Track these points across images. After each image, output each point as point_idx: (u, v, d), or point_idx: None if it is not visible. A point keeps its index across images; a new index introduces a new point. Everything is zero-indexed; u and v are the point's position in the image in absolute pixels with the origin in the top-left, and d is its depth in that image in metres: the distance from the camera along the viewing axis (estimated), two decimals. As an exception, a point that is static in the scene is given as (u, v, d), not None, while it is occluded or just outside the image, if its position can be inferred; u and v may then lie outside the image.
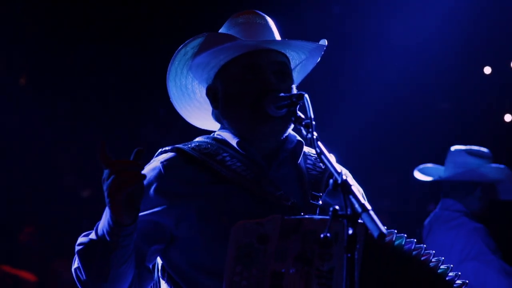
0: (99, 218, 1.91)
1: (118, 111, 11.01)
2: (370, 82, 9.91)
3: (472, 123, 9.82)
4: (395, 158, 10.14)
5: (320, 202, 2.02)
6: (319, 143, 1.82)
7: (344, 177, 1.68)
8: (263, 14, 2.20)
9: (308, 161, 2.12)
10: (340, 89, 9.59)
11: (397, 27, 9.52)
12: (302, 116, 1.94)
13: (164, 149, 2.10)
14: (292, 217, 1.82)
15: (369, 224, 1.60)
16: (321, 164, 2.10)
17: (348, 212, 1.63)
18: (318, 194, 2.02)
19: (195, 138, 2.22)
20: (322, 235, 1.63)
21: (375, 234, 1.58)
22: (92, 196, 8.69)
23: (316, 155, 1.98)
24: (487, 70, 9.71)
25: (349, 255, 1.60)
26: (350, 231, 1.60)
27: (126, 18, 9.43)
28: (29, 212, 8.55)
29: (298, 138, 2.14)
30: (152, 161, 2.08)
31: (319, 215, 1.89)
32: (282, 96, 2.01)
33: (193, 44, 2.12)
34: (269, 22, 2.19)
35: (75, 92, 10.40)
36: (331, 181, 1.68)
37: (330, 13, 10.04)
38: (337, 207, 1.63)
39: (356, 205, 1.62)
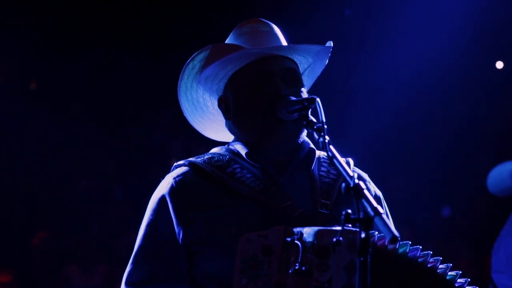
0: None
1: (130, 115, 11.01)
2: (382, 83, 9.87)
3: (484, 125, 9.79)
4: (405, 160, 10.11)
5: (329, 211, 2.02)
6: (331, 147, 1.82)
7: (356, 181, 1.68)
8: (268, 22, 2.20)
9: (322, 168, 2.12)
10: (352, 92, 9.57)
11: (408, 27, 9.48)
12: (314, 120, 1.94)
13: (178, 163, 2.12)
14: (294, 228, 1.83)
15: (382, 228, 1.60)
16: (335, 171, 2.10)
17: (361, 216, 1.63)
18: (327, 203, 2.02)
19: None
20: (334, 239, 1.63)
21: (388, 238, 1.58)
22: (105, 202, 8.70)
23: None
24: (499, 65, 9.68)
25: (361, 259, 1.60)
26: (363, 235, 1.60)
27: (133, 24, 9.45)
28: (42, 216, 8.58)
29: (311, 145, 2.15)
30: (166, 176, 2.11)
31: (327, 223, 1.88)
32: (293, 100, 2.01)
33: (200, 57, 2.13)
34: (274, 29, 2.19)
35: (88, 97, 10.42)
36: (343, 185, 1.68)
37: (342, 15, 10.02)
38: (349, 211, 1.63)
39: (369, 209, 1.62)
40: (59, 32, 9.78)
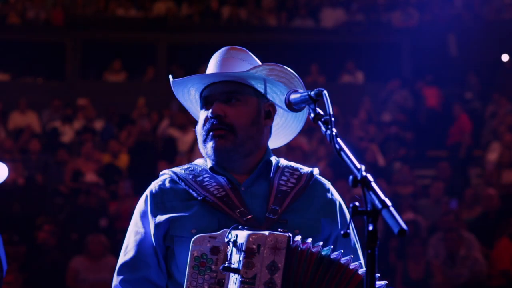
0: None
1: (139, 109, 11.01)
2: (386, 77, 9.86)
3: (488, 125, 9.78)
4: (414, 153, 10.11)
5: (276, 216, 2.14)
6: (338, 139, 1.82)
7: (363, 173, 1.68)
8: (241, 48, 2.29)
9: (283, 177, 2.24)
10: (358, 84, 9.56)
11: (414, 19, 9.45)
12: (321, 112, 1.94)
13: (162, 172, 2.32)
14: (235, 231, 2.04)
15: (389, 221, 1.60)
16: (294, 180, 2.23)
17: (368, 208, 1.63)
18: (276, 208, 2.14)
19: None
20: (342, 232, 1.63)
21: (395, 230, 1.58)
22: (111, 195, 8.73)
23: (293, 170, 2.24)
24: (505, 57, 9.67)
25: (369, 251, 1.61)
26: (371, 227, 1.60)
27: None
28: (49, 209, 8.61)
29: (272, 155, 2.28)
30: (152, 183, 2.31)
31: (273, 227, 2.06)
32: (300, 92, 2.03)
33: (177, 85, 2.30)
34: (236, 55, 2.28)
35: (93, 90, 10.44)
36: (350, 177, 1.69)
37: (348, 7, 10.00)
38: (357, 203, 1.64)
39: (376, 202, 1.62)
40: (67, 23, 9.80)
